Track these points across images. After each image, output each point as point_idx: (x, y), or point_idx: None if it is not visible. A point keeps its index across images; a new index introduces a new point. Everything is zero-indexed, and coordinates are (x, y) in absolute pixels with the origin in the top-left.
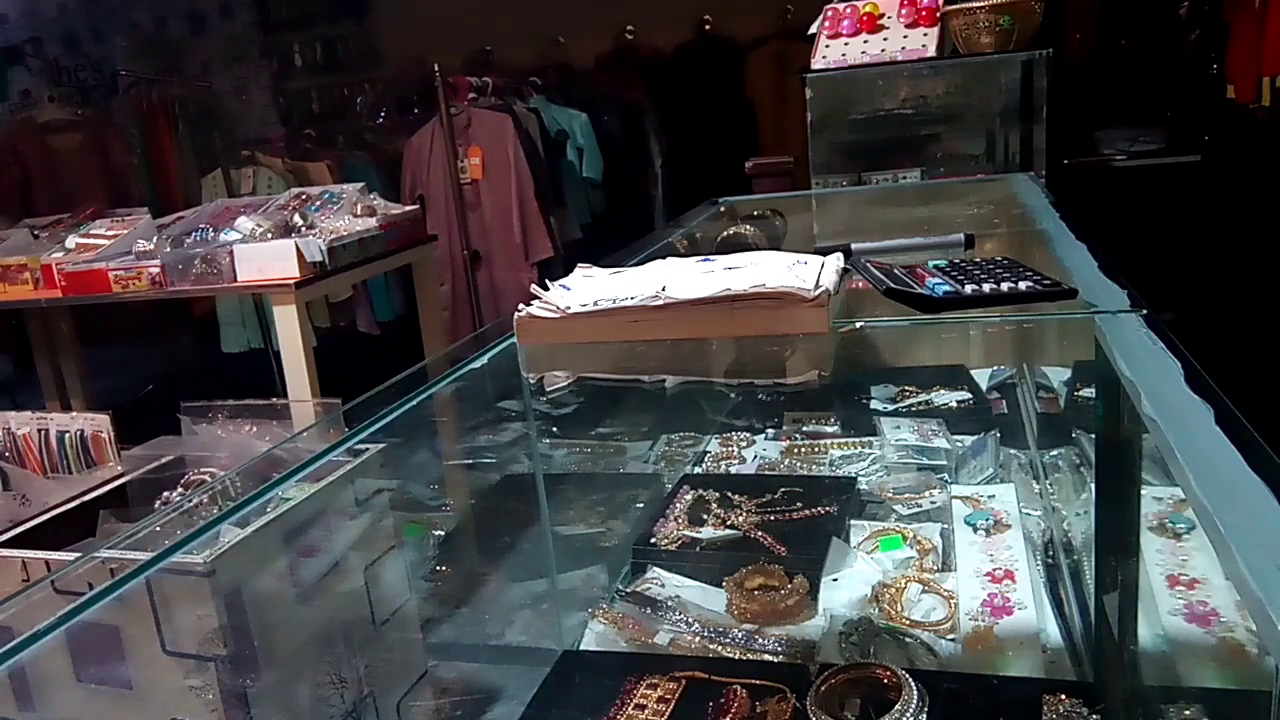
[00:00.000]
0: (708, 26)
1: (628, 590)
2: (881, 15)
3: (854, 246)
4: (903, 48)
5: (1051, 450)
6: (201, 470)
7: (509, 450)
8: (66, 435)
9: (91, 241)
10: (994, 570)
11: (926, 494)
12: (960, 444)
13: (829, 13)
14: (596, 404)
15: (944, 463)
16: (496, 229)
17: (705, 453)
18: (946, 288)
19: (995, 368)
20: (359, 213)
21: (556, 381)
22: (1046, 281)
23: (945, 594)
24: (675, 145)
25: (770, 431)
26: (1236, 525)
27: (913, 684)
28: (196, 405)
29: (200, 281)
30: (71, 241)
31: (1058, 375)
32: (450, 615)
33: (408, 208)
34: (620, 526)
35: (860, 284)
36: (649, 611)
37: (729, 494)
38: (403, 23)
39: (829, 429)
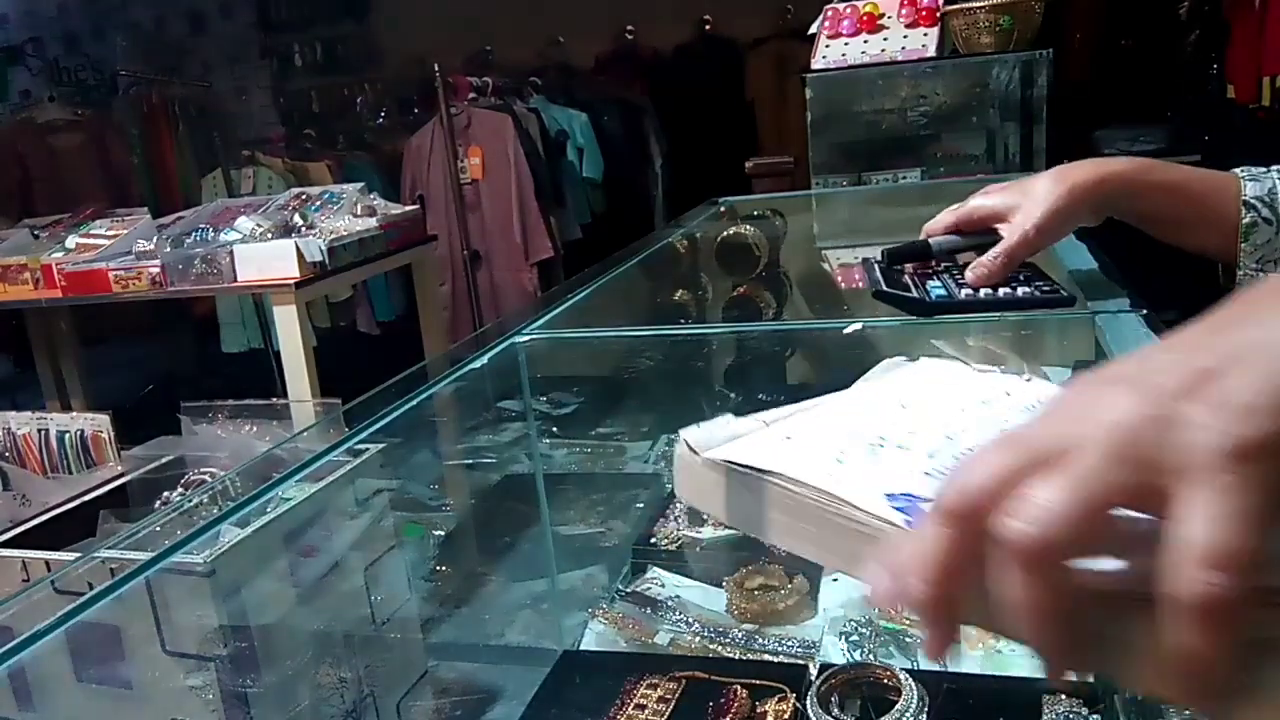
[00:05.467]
0: (708, 26)
1: (628, 590)
2: (881, 15)
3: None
4: (903, 48)
5: None
6: (201, 470)
7: (509, 450)
8: (66, 435)
9: (91, 241)
10: None
11: None
12: None
13: (829, 13)
14: (596, 404)
15: None
16: (496, 229)
17: None
18: (941, 291)
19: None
20: (359, 213)
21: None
22: (1046, 288)
23: None
24: (675, 145)
25: None
26: None
27: (913, 684)
28: (196, 405)
29: (200, 281)
30: (71, 241)
31: (1058, 375)
32: (450, 615)
33: (408, 208)
34: (620, 526)
35: (859, 282)
36: (649, 611)
37: None
38: (403, 23)
39: None
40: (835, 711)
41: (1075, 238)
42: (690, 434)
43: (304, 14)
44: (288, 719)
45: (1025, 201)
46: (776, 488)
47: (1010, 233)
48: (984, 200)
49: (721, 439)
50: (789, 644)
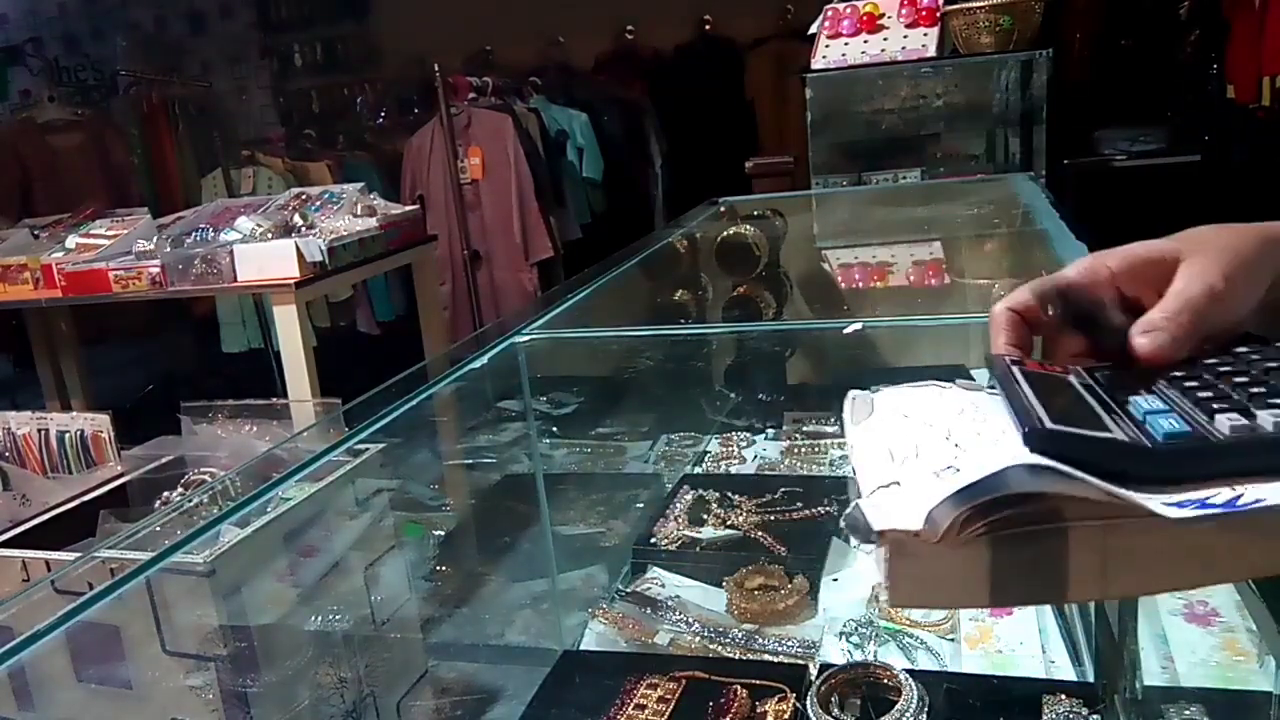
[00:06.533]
0: (708, 26)
1: (628, 590)
2: (881, 15)
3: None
4: (903, 48)
5: None
6: (201, 470)
7: (509, 450)
8: (66, 435)
9: (91, 241)
10: None
11: None
12: None
13: (829, 13)
14: (596, 404)
15: None
16: (496, 229)
17: (705, 453)
18: (1173, 424)
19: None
20: (359, 213)
21: None
22: None
23: None
24: (675, 145)
25: (770, 431)
26: None
27: (913, 684)
28: (196, 405)
29: (200, 281)
30: (71, 241)
31: None
32: (450, 615)
33: (408, 208)
34: (620, 526)
35: (859, 282)
36: (649, 611)
37: (729, 494)
38: (403, 23)
39: (829, 429)
40: (835, 711)
41: (1075, 238)
42: (883, 520)
43: (304, 14)
44: (288, 719)
45: (1188, 245)
46: (1083, 531)
47: (1185, 279)
48: (1109, 258)
49: (906, 509)
50: (789, 644)
